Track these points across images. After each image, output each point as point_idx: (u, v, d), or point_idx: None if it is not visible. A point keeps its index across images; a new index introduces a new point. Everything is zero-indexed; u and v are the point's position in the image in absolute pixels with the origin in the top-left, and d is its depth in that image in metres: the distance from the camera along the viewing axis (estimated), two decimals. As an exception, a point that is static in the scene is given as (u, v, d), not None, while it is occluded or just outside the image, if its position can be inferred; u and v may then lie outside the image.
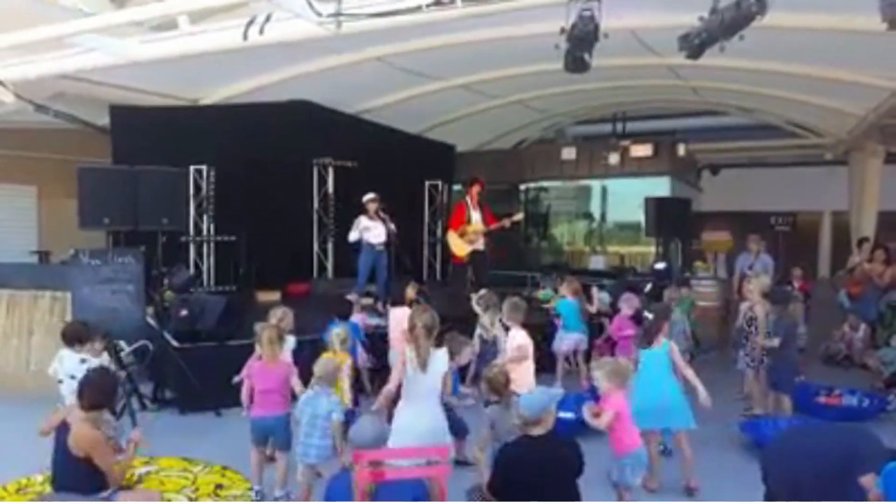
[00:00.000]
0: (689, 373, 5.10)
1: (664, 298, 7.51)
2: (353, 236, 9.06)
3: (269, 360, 4.89)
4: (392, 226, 8.97)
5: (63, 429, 3.82)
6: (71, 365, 5.16)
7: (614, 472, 4.28)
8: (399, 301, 6.79)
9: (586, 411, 4.37)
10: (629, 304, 7.20)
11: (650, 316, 5.32)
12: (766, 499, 1.82)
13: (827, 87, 9.50)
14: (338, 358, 5.21)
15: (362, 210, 9.03)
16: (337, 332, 5.53)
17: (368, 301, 8.98)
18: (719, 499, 4.70)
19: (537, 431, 3.53)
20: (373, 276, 9.15)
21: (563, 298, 8.06)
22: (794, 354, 6.56)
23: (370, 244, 9.00)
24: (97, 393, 3.93)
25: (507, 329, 5.75)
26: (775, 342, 6.25)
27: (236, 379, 5.17)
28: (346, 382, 5.28)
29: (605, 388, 4.37)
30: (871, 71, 8.44)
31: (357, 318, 7.13)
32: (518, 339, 5.45)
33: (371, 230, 8.98)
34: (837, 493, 1.74)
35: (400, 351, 5.93)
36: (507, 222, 9.57)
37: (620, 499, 4.35)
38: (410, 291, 6.87)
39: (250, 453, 4.90)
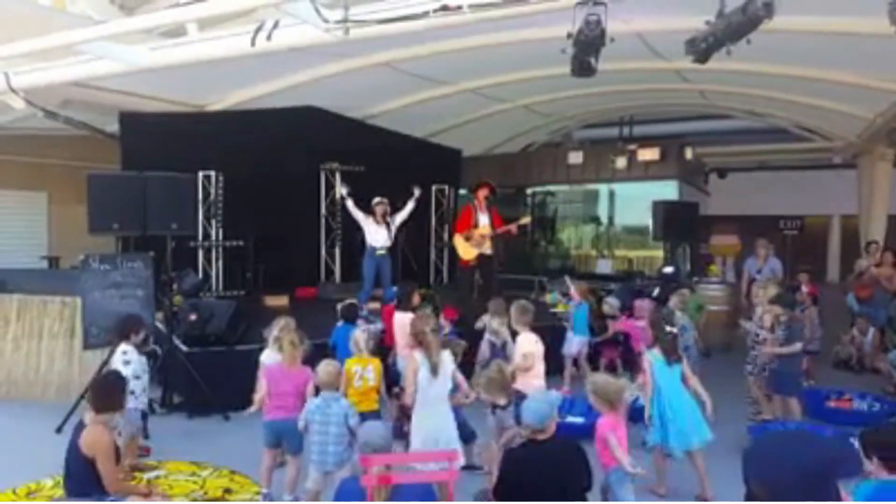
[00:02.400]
0: (696, 383, 5.08)
1: (670, 304, 7.45)
2: (355, 212, 9.20)
3: (289, 364, 4.90)
4: (395, 222, 9.12)
5: (78, 428, 3.85)
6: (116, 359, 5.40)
7: (608, 485, 4.24)
8: (405, 306, 6.79)
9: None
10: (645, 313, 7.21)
11: (674, 330, 5.26)
12: (747, 499, 1.84)
13: (835, 91, 9.46)
14: (362, 361, 5.24)
15: (371, 212, 9.09)
16: (357, 335, 5.48)
17: (375, 306, 8.99)
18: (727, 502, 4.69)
19: (542, 437, 3.53)
20: (379, 282, 9.18)
21: (577, 302, 8.05)
22: (797, 358, 6.53)
23: (373, 248, 9.03)
24: (105, 397, 3.96)
25: (515, 334, 5.73)
26: (797, 346, 6.20)
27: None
28: (381, 384, 5.28)
29: (600, 409, 4.28)
30: (878, 74, 8.41)
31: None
32: (525, 347, 5.43)
33: (375, 234, 9.02)
34: (818, 499, 1.75)
35: (405, 356, 5.98)
36: (513, 227, 9.56)
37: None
38: (416, 298, 6.86)
39: (262, 455, 4.91)
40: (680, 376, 5.04)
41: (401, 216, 9.36)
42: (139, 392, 5.41)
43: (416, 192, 9.59)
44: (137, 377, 5.36)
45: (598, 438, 4.19)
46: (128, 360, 5.38)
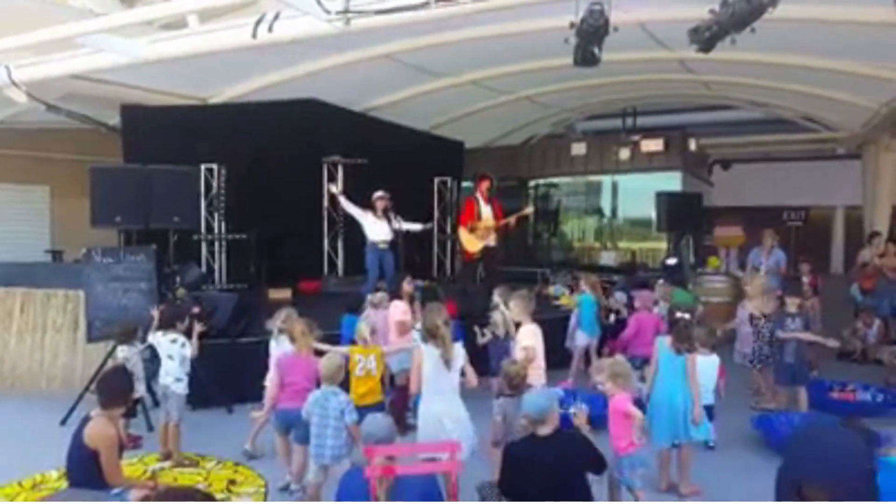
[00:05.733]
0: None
1: (654, 295, 7.45)
2: (351, 208, 9.13)
3: (300, 353, 4.97)
4: (400, 224, 8.99)
5: (85, 421, 3.85)
6: (166, 346, 5.54)
7: (614, 471, 4.24)
8: (394, 294, 6.81)
9: (575, 418, 3.85)
10: (642, 300, 7.19)
11: (687, 316, 5.23)
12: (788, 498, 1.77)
13: (839, 81, 9.41)
14: (365, 351, 5.29)
15: (371, 206, 9.01)
16: (361, 325, 5.51)
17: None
18: (730, 496, 4.67)
19: (544, 431, 3.51)
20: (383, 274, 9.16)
21: (583, 294, 8.02)
22: (805, 348, 6.55)
23: (374, 242, 8.98)
24: (111, 393, 3.95)
25: (517, 325, 5.70)
26: (831, 342, 6.28)
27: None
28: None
29: (610, 389, 4.31)
30: (884, 64, 8.35)
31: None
32: (525, 341, 5.35)
33: (375, 228, 8.97)
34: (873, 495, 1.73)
35: (391, 342, 6.03)
36: (512, 220, 9.50)
37: (612, 498, 4.32)
38: (407, 286, 6.88)
39: (276, 442, 5.03)
40: (681, 369, 4.96)
41: (406, 226, 9.26)
42: (185, 377, 5.56)
43: (430, 224, 10.22)
44: (183, 363, 5.56)
45: (616, 413, 4.22)
46: (184, 342, 5.56)
